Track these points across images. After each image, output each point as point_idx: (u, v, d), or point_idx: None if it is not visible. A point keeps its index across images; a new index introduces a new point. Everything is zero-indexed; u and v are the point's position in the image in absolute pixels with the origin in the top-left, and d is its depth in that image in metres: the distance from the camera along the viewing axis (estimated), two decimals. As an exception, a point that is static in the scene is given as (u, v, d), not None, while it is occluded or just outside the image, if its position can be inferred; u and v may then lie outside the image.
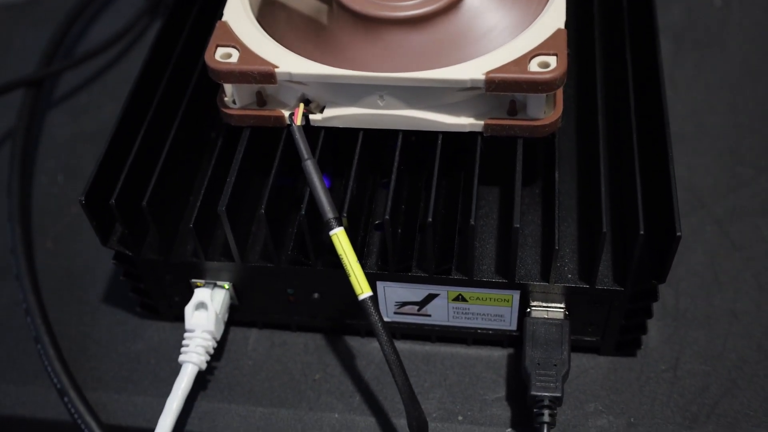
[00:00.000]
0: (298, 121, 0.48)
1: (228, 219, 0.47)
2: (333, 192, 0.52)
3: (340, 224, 0.46)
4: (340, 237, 0.45)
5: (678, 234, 0.43)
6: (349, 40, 0.50)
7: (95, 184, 0.48)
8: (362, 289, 0.45)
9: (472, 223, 0.45)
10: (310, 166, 0.47)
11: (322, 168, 0.50)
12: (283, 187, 0.50)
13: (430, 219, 0.45)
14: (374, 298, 0.45)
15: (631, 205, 0.46)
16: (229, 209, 0.47)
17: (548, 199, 0.49)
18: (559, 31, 0.47)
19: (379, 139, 0.50)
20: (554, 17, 0.48)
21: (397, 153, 0.49)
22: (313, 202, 0.47)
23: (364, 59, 0.49)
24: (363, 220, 0.51)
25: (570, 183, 0.52)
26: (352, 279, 0.45)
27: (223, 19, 0.50)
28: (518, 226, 0.45)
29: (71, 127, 0.68)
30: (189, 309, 0.51)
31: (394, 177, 0.48)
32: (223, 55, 0.48)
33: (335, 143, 0.51)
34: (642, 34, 0.55)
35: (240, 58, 0.47)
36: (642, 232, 0.44)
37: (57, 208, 0.62)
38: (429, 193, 0.47)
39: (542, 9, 0.50)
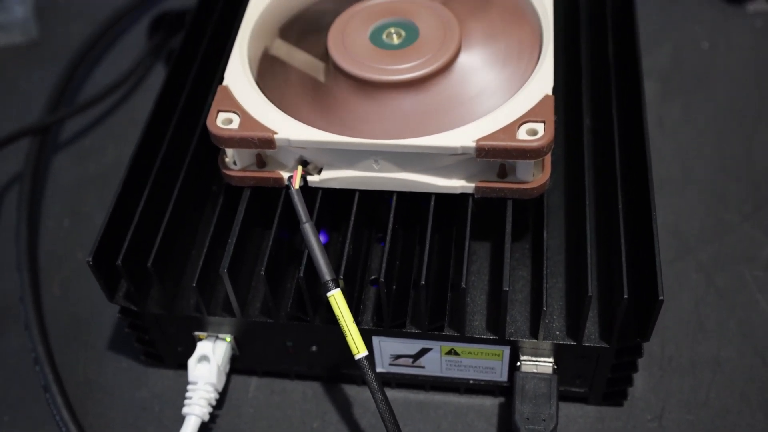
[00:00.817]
0: (296, 184, 0.49)
1: (229, 279, 0.49)
2: (330, 246, 0.54)
3: (337, 286, 0.47)
4: (337, 298, 0.47)
5: (661, 298, 0.45)
6: (344, 103, 0.52)
7: (102, 245, 0.49)
8: (358, 349, 0.47)
9: (464, 286, 0.47)
10: (308, 230, 0.48)
11: (320, 223, 0.52)
12: (282, 239, 0.52)
13: (423, 282, 0.47)
14: (370, 357, 0.47)
15: (616, 267, 0.48)
16: (231, 270, 0.49)
17: (537, 257, 0.51)
18: (546, 97, 0.49)
19: (375, 196, 0.52)
20: (542, 83, 0.49)
21: (392, 214, 0.50)
22: (311, 263, 0.48)
23: (359, 122, 0.51)
24: (359, 276, 0.52)
25: (559, 237, 0.53)
26: (349, 339, 0.47)
27: (224, 83, 0.51)
28: (507, 290, 0.47)
29: (76, 171, 0.69)
30: (192, 362, 0.53)
31: (388, 238, 0.49)
32: (224, 121, 0.49)
33: (333, 200, 0.53)
34: (627, 83, 0.57)
35: (240, 124, 0.49)
36: (626, 296, 0.46)
37: (63, 253, 0.64)
38: (423, 249, 0.49)
39: (532, 69, 0.51)
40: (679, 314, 0.57)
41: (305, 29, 0.57)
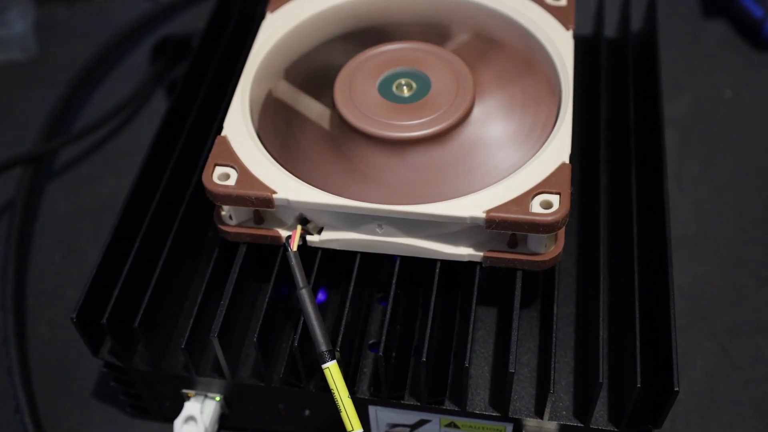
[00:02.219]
0: (295, 246, 0.47)
1: (219, 343, 0.46)
2: (328, 305, 0.52)
3: (333, 357, 0.45)
4: (332, 371, 0.44)
5: (676, 389, 0.42)
6: (350, 156, 0.49)
7: (87, 301, 0.47)
8: (352, 426, 0.44)
9: (467, 365, 0.44)
10: (305, 296, 0.46)
11: (319, 280, 0.49)
12: (279, 297, 0.49)
13: (424, 359, 0.44)
14: (365, 434, 0.45)
15: (629, 349, 0.45)
16: (221, 334, 0.46)
17: (546, 329, 0.48)
18: (563, 166, 0.46)
19: (378, 254, 0.49)
20: (558, 149, 0.47)
21: (395, 279, 0.48)
22: (307, 331, 0.45)
23: (364, 177, 0.48)
24: (357, 339, 0.50)
25: (569, 306, 0.51)
26: (343, 414, 0.44)
27: (223, 133, 0.49)
28: (513, 371, 0.44)
29: (71, 202, 0.66)
30: (178, 422, 0.50)
31: (390, 303, 0.47)
32: (221, 176, 0.47)
33: (333, 257, 0.50)
34: (648, 142, 0.54)
35: (238, 181, 0.46)
36: (639, 386, 0.43)
37: (53, 289, 0.61)
38: (426, 318, 0.46)
39: (550, 124, 0.49)
40: (691, 386, 0.54)
41: (311, 72, 0.55)
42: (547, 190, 0.45)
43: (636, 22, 0.65)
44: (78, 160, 0.69)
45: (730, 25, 0.75)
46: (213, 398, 0.51)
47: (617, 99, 0.59)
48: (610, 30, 0.66)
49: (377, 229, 0.47)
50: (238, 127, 0.49)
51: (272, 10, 0.56)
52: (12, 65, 0.76)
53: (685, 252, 0.60)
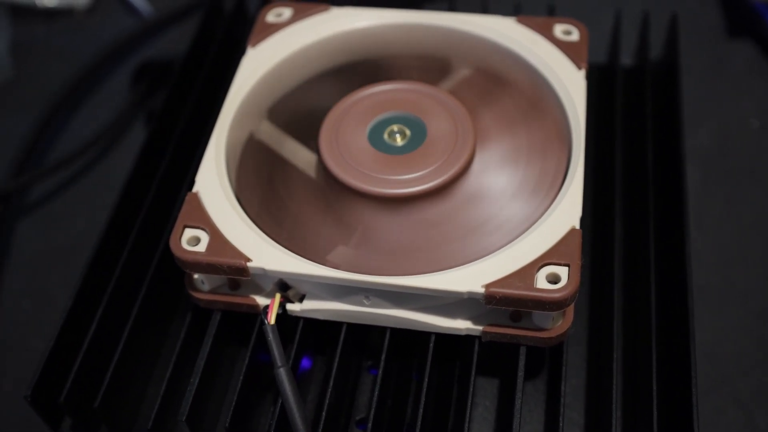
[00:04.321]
0: (272, 319, 0.42)
1: (189, 426, 0.41)
2: (313, 374, 0.47)
3: (313, 446, 0.40)
4: (312, 462, 0.40)
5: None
6: (335, 209, 0.45)
7: (43, 378, 0.42)
8: None
9: (463, 459, 0.40)
10: (283, 376, 0.41)
11: (302, 348, 0.45)
12: (257, 368, 0.45)
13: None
14: None
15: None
16: (190, 416, 0.41)
17: (552, 410, 0.44)
18: (572, 231, 0.41)
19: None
20: (568, 212, 0.42)
21: (384, 351, 0.43)
22: (284, 414, 0.41)
23: (349, 235, 0.43)
24: (344, 414, 0.45)
25: (579, 377, 0.46)
26: None
27: (195, 189, 0.44)
28: (515, 467, 0.39)
29: (42, 242, 0.62)
30: (147, 505, 0.46)
31: (380, 377, 0.42)
32: (190, 240, 0.42)
33: (317, 324, 0.45)
34: (667, 185, 0.50)
35: (209, 247, 0.42)
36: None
37: (20, 341, 0.57)
38: (419, 395, 0.42)
39: (557, 190, 0.44)
40: (714, 460, 0.50)
41: (297, 112, 0.50)
42: (554, 261, 0.40)
43: (655, 47, 0.60)
44: (50, 195, 0.64)
45: (757, 48, 0.70)
46: (186, 477, 0.46)
47: (634, 134, 0.54)
48: (626, 56, 0.61)
49: (364, 301, 0.42)
50: (212, 182, 0.44)
51: (254, 45, 0.51)
52: (-14, 88, 0.72)
53: (707, 304, 0.55)
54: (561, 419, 0.42)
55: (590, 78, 0.48)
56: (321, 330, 0.46)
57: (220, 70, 0.57)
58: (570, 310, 0.42)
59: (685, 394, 0.41)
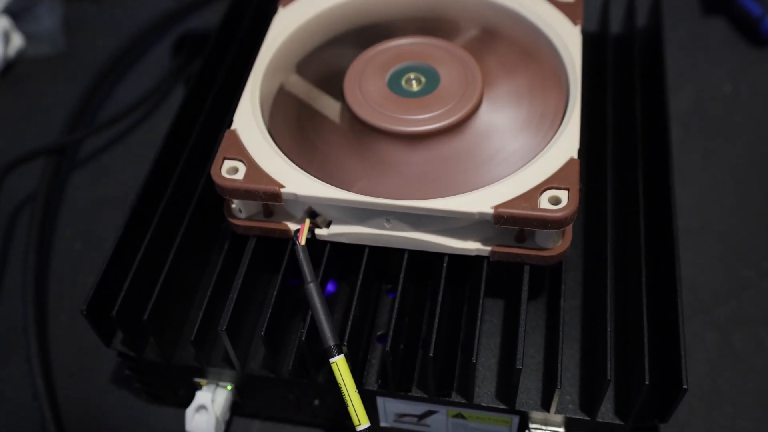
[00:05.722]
0: (303, 240, 0.42)
1: (228, 337, 0.41)
2: (338, 297, 0.47)
3: (340, 352, 0.40)
4: (339, 366, 0.40)
5: (684, 387, 0.37)
6: (358, 149, 0.44)
7: (97, 294, 0.42)
8: (360, 420, 0.40)
9: (474, 361, 0.39)
10: (313, 290, 0.41)
11: (328, 273, 0.44)
12: (288, 290, 0.44)
13: (431, 354, 0.40)
14: (371, 429, 0.40)
15: (637, 348, 0.40)
16: (230, 327, 0.41)
17: (553, 325, 0.44)
18: (571, 161, 0.41)
19: (386, 248, 0.44)
20: (567, 144, 0.41)
21: (402, 273, 0.43)
22: (314, 325, 0.41)
23: (372, 171, 0.43)
24: (366, 331, 0.45)
25: (576, 299, 0.46)
26: (350, 409, 0.40)
27: (233, 127, 0.44)
28: (521, 367, 0.39)
29: (92, 192, 0.62)
30: (190, 411, 0.46)
31: (398, 296, 0.42)
32: (230, 170, 0.42)
33: (342, 251, 0.45)
34: (653, 138, 0.49)
35: (246, 175, 0.41)
36: (647, 383, 0.38)
37: (73, 278, 0.57)
38: (433, 312, 0.41)
39: (557, 127, 0.43)
40: (694, 376, 0.49)
41: (323, 67, 0.50)
42: (555, 185, 0.40)
43: (639, 19, 0.59)
44: (100, 151, 0.64)
45: (729, 23, 0.70)
46: (225, 387, 0.46)
47: (623, 94, 0.54)
48: (615, 26, 0.61)
49: (385, 224, 0.42)
50: (248, 121, 0.44)
51: (284, 5, 0.51)
52: (40, 59, 0.72)
53: (686, 243, 0.55)
54: (560, 333, 0.41)
55: (583, 45, 0.48)
56: (345, 256, 0.45)
57: (251, 40, 0.57)
58: (569, 232, 0.42)
59: (671, 318, 0.41)
